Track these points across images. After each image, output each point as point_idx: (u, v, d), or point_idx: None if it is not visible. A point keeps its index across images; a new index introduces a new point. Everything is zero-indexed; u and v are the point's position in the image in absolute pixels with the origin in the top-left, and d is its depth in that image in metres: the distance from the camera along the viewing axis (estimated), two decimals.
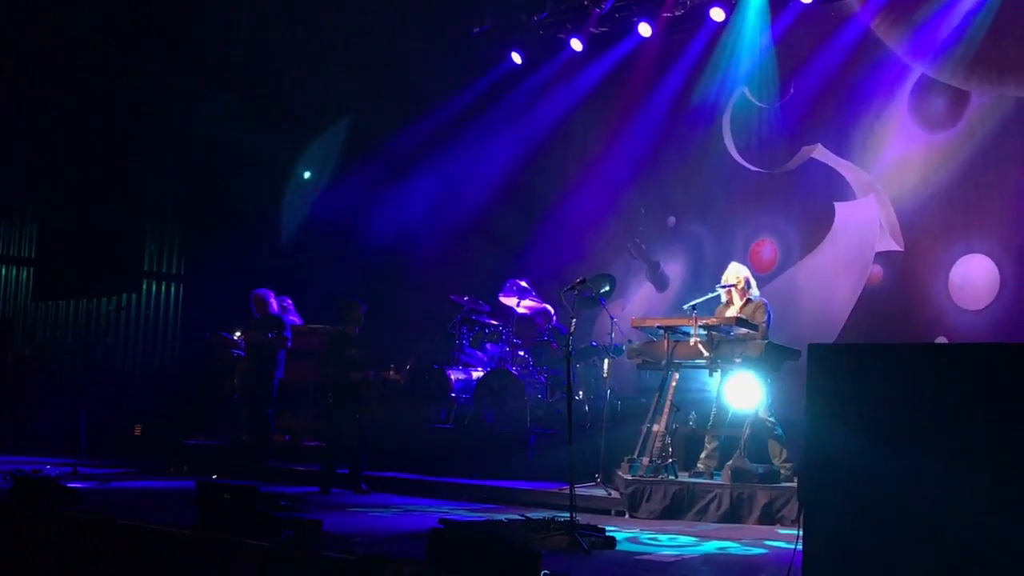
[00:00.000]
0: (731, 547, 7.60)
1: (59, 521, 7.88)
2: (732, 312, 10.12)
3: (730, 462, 9.40)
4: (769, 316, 10.07)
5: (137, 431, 16.09)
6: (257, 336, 12.55)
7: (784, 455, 9.72)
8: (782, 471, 9.54)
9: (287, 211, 17.39)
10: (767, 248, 13.58)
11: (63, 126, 19.06)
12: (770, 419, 9.82)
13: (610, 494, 9.82)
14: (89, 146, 18.57)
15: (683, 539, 7.97)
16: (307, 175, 17.72)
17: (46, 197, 19.86)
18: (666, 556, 7.08)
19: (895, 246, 12.54)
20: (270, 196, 16.66)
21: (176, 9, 16.56)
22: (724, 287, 10.28)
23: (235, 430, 13.52)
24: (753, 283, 10.40)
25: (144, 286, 18.43)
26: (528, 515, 7.99)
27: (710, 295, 10.30)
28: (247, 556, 6.56)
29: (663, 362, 9.84)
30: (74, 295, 19.38)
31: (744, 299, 10.24)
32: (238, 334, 13.76)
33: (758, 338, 9.60)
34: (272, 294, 12.82)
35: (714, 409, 10.02)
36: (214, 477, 11.71)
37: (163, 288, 18.47)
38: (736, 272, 10.36)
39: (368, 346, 11.57)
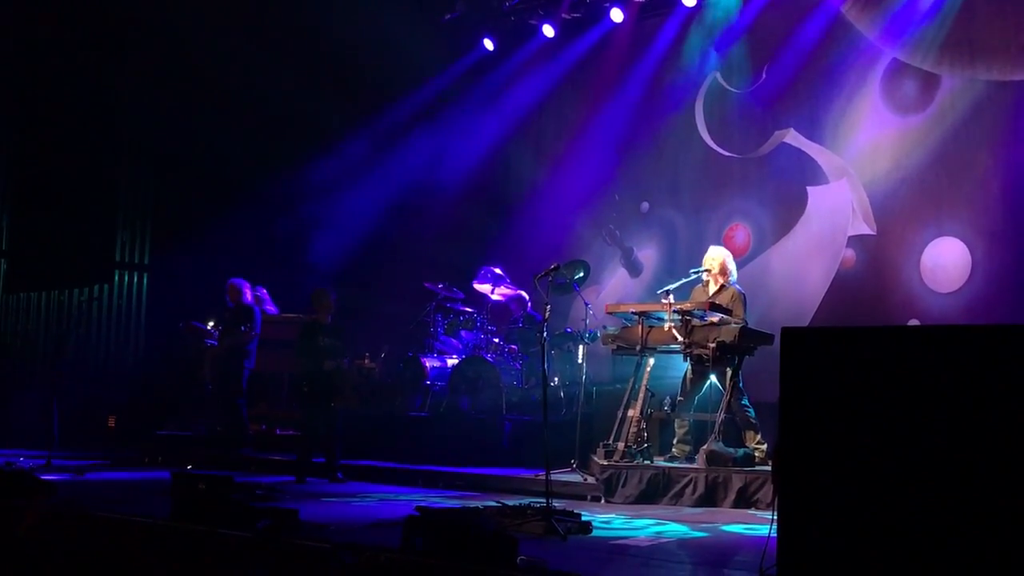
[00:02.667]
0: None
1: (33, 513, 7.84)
2: (707, 296, 10.15)
3: (705, 446, 9.44)
4: (745, 307, 10.12)
5: (111, 422, 16.02)
6: (228, 325, 12.54)
7: (758, 438, 9.76)
8: (756, 454, 9.59)
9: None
10: (740, 233, 13.61)
11: (32, 117, 18.94)
12: (743, 403, 9.86)
13: (586, 480, 9.84)
14: (59, 136, 18.45)
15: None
16: None
17: (16, 188, 19.72)
18: (642, 540, 7.11)
19: (867, 230, 12.58)
20: (243, 186, 16.57)
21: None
22: (697, 272, 10.32)
23: (210, 420, 13.50)
24: (732, 268, 10.42)
25: (116, 277, 18.33)
26: (504, 501, 8.00)
27: (684, 280, 10.32)
28: (223, 546, 6.54)
29: (638, 347, 9.86)
30: (45, 286, 19.28)
31: (719, 285, 10.28)
32: (211, 324, 13.72)
33: (732, 323, 9.63)
34: (247, 284, 12.77)
35: (680, 393, 10.09)
36: (189, 467, 11.68)
37: (135, 278, 18.38)
38: (713, 256, 10.40)
39: (342, 335, 11.54)
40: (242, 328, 12.35)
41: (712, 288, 10.30)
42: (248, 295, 12.72)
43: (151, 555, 6.93)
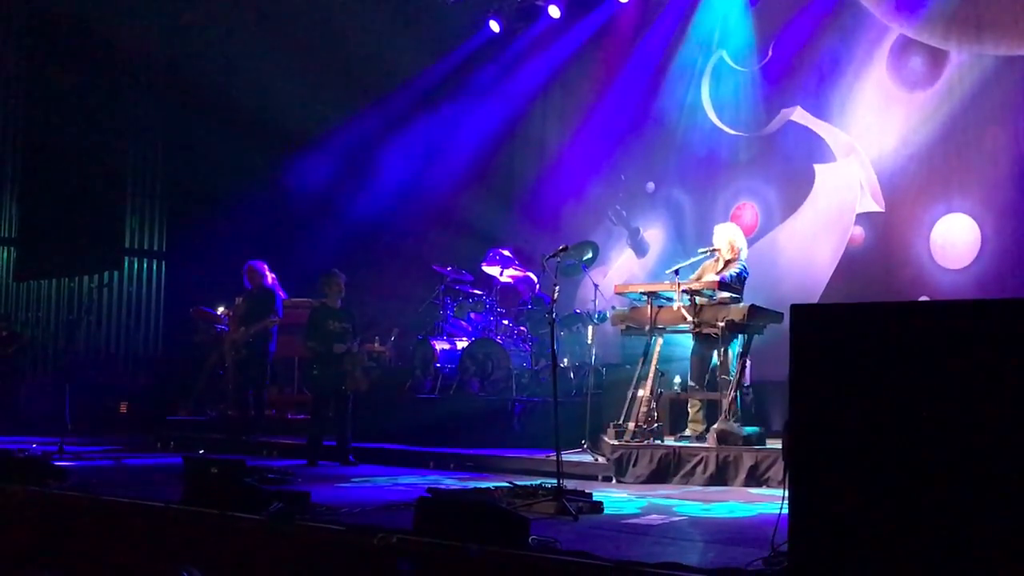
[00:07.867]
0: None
1: (47, 499, 7.89)
2: (712, 274, 10.11)
3: (716, 425, 9.43)
4: (742, 277, 10.08)
5: (123, 408, 16.08)
6: (250, 309, 12.42)
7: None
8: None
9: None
10: (748, 211, 13.59)
11: (40, 105, 18.98)
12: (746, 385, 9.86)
13: (597, 460, 9.85)
14: (69, 123, 18.49)
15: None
16: None
17: (25, 177, 19.79)
18: (654, 519, 7.11)
19: (876, 207, 12.55)
20: (252, 171, 16.59)
21: None
22: (705, 251, 10.30)
23: (222, 405, 13.52)
24: (742, 245, 10.36)
25: (126, 263, 18.39)
26: (515, 482, 8.01)
27: (693, 259, 10.31)
28: (235, 530, 6.57)
29: (647, 328, 9.85)
30: (56, 274, 19.35)
31: (725, 262, 10.23)
32: (221, 309, 13.72)
33: (741, 302, 9.62)
34: (267, 266, 12.63)
35: (690, 372, 10.09)
36: (201, 452, 11.72)
37: (145, 265, 18.45)
38: (720, 234, 10.38)
39: (352, 318, 11.54)
40: (270, 315, 12.25)
41: (721, 264, 10.26)
42: (269, 277, 12.56)
43: (164, 539, 6.97)
